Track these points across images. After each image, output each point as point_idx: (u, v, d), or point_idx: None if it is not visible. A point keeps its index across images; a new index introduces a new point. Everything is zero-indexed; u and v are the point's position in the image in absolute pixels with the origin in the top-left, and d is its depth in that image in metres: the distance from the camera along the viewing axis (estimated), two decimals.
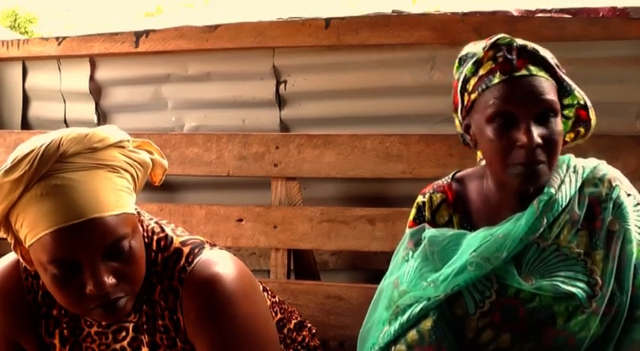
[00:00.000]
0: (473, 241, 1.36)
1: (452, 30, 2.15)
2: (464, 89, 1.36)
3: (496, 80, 1.30)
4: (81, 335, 1.33)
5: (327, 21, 2.26)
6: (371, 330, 1.47)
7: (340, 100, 2.40)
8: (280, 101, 2.47)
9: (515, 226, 1.33)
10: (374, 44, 2.25)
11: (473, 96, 1.34)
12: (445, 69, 2.26)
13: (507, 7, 2.21)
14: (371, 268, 2.45)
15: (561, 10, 2.15)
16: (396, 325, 1.40)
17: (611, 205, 1.35)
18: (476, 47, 1.38)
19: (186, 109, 2.59)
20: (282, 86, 2.44)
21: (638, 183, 1.63)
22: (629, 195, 1.37)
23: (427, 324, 1.37)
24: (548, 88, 1.29)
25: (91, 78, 2.63)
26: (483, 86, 1.31)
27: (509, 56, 1.30)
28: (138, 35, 2.43)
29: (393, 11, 2.29)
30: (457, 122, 1.44)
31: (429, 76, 2.28)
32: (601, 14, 2.11)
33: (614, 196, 1.35)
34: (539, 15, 2.14)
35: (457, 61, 1.41)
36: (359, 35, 2.23)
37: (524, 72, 1.29)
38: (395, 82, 2.32)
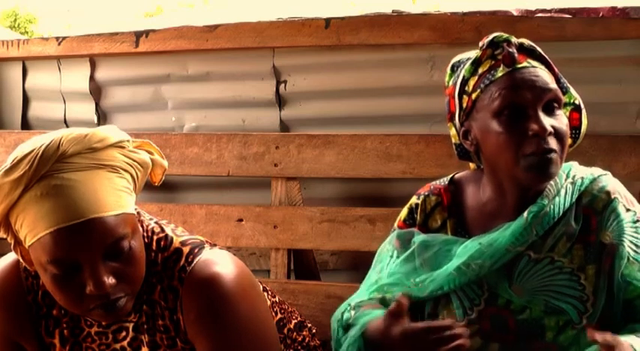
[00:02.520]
0: (462, 249, 1.34)
1: (452, 30, 2.15)
2: (462, 91, 1.34)
3: (499, 74, 1.28)
4: (81, 335, 1.33)
5: (327, 21, 2.26)
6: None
7: (340, 100, 2.39)
8: (280, 101, 2.47)
9: (500, 235, 1.31)
10: (374, 44, 2.25)
11: (474, 95, 1.31)
12: (445, 69, 2.25)
13: (507, 7, 2.21)
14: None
15: (561, 10, 2.15)
16: (373, 295, 1.44)
17: (606, 218, 1.31)
18: (467, 54, 1.37)
19: (186, 109, 2.59)
20: (282, 86, 2.44)
21: (638, 183, 1.63)
22: (628, 210, 1.32)
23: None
24: (551, 79, 1.29)
25: (91, 78, 2.63)
26: (486, 82, 1.29)
27: (510, 50, 1.28)
28: (138, 35, 2.43)
29: (393, 11, 2.29)
30: (453, 132, 1.40)
31: (429, 75, 2.28)
32: (601, 14, 2.11)
33: (610, 209, 1.31)
34: (539, 15, 2.14)
35: (449, 69, 1.40)
36: (359, 35, 2.23)
37: (525, 64, 1.28)
38: (395, 82, 2.32)
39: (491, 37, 1.32)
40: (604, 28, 2.05)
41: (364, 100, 2.37)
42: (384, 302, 1.43)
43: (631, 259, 1.29)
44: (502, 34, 1.32)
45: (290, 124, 2.49)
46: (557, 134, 1.25)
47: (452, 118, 1.39)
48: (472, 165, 1.49)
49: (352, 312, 1.42)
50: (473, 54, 1.35)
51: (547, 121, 1.24)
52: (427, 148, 2.18)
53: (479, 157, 1.38)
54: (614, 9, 2.10)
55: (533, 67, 1.28)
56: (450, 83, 1.38)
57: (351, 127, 2.35)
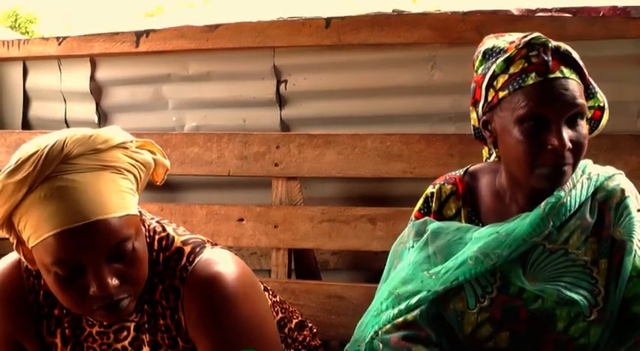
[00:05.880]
0: (478, 237, 1.36)
1: (452, 29, 2.15)
2: (490, 85, 1.33)
3: (530, 81, 1.27)
4: (82, 335, 1.33)
5: (328, 20, 2.26)
6: (368, 315, 1.48)
7: (341, 99, 2.40)
8: (281, 101, 2.47)
9: (518, 225, 1.33)
10: (374, 44, 2.25)
11: (502, 94, 1.31)
12: (446, 68, 2.26)
13: (508, 7, 2.21)
14: (372, 267, 2.45)
15: (562, 9, 2.15)
16: (395, 311, 1.41)
17: (619, 214, 1.34)
18: (502, 41, 1.35)
19: (187, 109, 2.59)
20: (282, 86, 2.45)
21: (638, 182, 1.63)
22: (638, 211, 1.35)
23: (414, 313, 1.39)
24: (579, 92, 1.29)
25: (92, 78, 2.63)
26: (515, 85, 1.29)
27: (545, 57, 1.27)
28: (138, 35, 2.43)
29: (394, 11, 2.29)
30: (474, 116, 1.42)
31: (430, 75, 2.28)
32: (601, 13, 2.11)
33: (623, 206, 1.34)
34: (540, 14, 2.14)
35: (481, 54, 1.38)
36: (359, 35, 2.23)
37: (558, 74, 1.27)
38: (395, 81, 2.32)
39: (529, 37, 1.30)
40: (604, 27, 2.05)
41: (365, 100, 2.37)
42: (408, 325, 1.41)
43: (638, 256, 1.31)
44: (541, 36, 1.30)
45: (290, 124, 2.49)
46: (575, 147, 1.28)
47: (474, 104, 1.40)
48: (484, 152, 1.52)
49: (380, 345, 1.40)
50: (506, 44, 1.33)
51: (567, 135, 1.26)
52: (428, 147, 2.18)
53: (495, 145, 1.39)
54: (614, 8, 2.10)
55: (565, 77, 1.27)
56: (480, 72, 1.37)
57: (352, 127, 2.35)
